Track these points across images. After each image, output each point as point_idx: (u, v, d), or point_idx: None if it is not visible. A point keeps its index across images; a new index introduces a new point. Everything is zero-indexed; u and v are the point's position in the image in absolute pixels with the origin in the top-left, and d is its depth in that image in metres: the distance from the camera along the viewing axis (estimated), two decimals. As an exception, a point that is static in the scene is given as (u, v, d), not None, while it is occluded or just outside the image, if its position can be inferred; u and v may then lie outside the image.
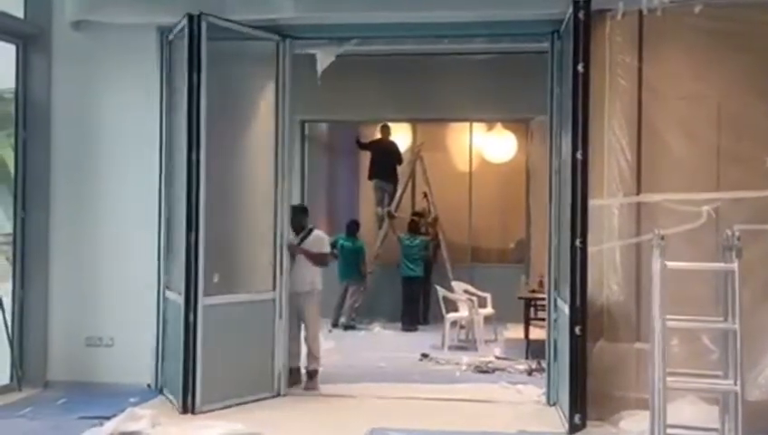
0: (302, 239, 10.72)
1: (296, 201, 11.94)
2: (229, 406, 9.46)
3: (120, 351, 10.27)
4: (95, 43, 10.33)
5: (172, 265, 10.08)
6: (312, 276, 10.68)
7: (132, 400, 9.52)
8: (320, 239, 10.94)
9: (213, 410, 9.28)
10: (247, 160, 10.54)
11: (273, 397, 10.01)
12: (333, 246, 16.03)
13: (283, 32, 10.15)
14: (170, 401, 9.71)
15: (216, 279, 9.61)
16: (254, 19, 9.83)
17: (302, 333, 10.73)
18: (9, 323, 10.10)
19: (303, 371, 10.69)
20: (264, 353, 10.04)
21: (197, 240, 9.29)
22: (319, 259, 10.79)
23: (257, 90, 10.48)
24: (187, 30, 9.31)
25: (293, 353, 10.58)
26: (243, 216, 10.41)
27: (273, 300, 10.12)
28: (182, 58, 9.53)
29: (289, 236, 10.49)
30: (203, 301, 9.32)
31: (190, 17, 9.29)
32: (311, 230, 10.87)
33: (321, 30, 10.31)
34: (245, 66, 10.39)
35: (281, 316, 10.14)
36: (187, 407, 9.29)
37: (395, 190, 17.40)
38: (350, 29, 10.32)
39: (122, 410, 8.76)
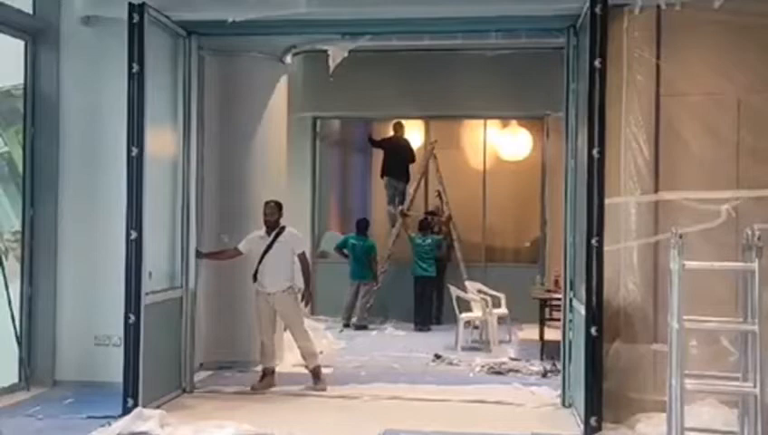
0: (275, 238, 10.47)
1: (302, 199, 11.77)
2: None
3: (129, 350, 10.14)
4: (104, 39, 10.24)
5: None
6: (289, 274, 10.53)
7: None
8: (294, 237, 10.68)
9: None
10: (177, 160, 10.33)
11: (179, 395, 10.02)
12: (343, 245, 16.00)
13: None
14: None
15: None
16: (269, 15, 9.69)
17: (288, 334, 10.70)
18: (17, 322, 10.06)
19: (306, 371, 10.62)
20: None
21: (140, 239, 9.08)
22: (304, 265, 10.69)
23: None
24: (127, 19, 9.11)
25: (268, 354, 10.49)
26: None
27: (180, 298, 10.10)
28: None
29: (259, 233, 10.46)
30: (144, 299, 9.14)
31: (131, 6, 9.08)
32: (283, 228, 10.58)
33: (333, 26, 10.20)
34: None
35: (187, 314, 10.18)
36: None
37: (406, 188, 17.25)
38: (363, 25, 10.24)
39: (130, 410, 8.70)
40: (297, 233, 10.89)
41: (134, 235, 9.06)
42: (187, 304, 10.13)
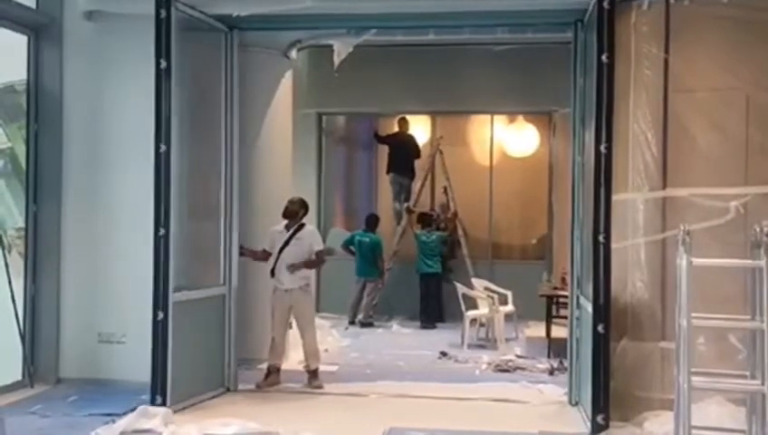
0: (294, 233, 10.42)
1: (307, 195, 11.73)
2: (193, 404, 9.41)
3: (133, 348, 10.15)
4: (108, 34, 10.26)
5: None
6: (305, 271, 10.49)
7: (144, 397, 9.31)
8: (313, 235, 10.66)
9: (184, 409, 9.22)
10: (207, 155, 10.34)
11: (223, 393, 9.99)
12: (350, 243, 15.94)
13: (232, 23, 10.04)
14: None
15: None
16: (274, 10, 9.67)
17: (297, 331, 10.62)
18: (21, 319, 10.03)
19: (304, 370, 10.59)
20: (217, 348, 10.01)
21: (167, 236, 9.09)
22: (313, 265, 10.67)
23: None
24: (155, 14, 9.08)
25: (277, 352, 10.48)
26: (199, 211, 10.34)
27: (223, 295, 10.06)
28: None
29: (277, 227, 10.41)
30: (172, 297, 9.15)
31: (158, 2, 9.07)
32: (302, 225, 10.54)
33: (337, 20, 10.14)
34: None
35: (230, 311, 10.11)
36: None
37: (412, 185, 17.19)
38: (368, 19, 10.20)
39: (134, 408, 8.66)
40: (316, 230, 10.89)
41: (162, 231, 9.07)
42: (230, 301, 10.07)
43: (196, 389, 9.57)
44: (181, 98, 9.30)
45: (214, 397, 9.78)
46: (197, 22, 9.63)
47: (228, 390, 10.05)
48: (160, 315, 9.05)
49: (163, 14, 9.02)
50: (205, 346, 9.82)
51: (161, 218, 9.07)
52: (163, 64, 9.05)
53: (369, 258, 15.91)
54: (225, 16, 9.84)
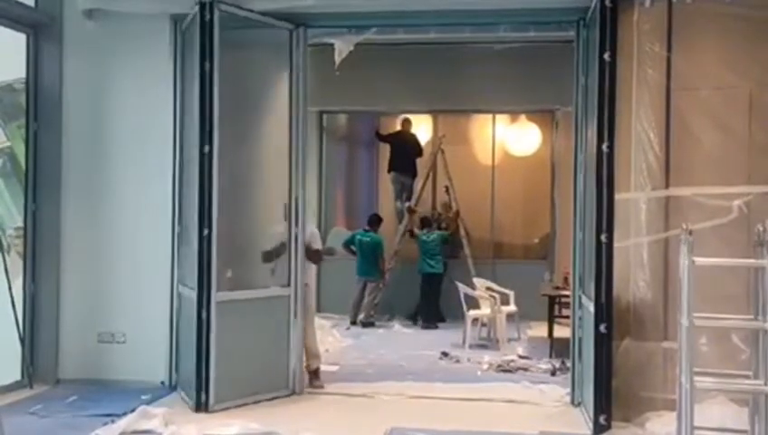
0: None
1: (308, 194, 11.71)
2: (246, 404, 9.34)
3: (133, 348, 10.16)
4: (107, 33, 10.19)
5: (185, 260, 9.97)
6: (307, 270, 10.42)
7: (145, 397, 9.43)
8: (313, 235, 10.59)
9: (228, 409, 9.16)
10: (262, 154, 10.42)
11: (289, 395, 9.86)
12: (351, 243, 15.92)
13: (299, 20, 9.96)
14: (184, 400, 9.58)
15: (229, 274, 9.57)
16: (272, 8, 9.67)
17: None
18: (20, 319, 9.98)
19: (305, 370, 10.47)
20: (278, 351, 9.89)
21: (210, 235, 9.14)
22: (314, 257, 10.55)
23: (271, 79, 10.31)
24: (198, 18, 9.15)
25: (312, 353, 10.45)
26: (256, 210, 10.34)
27: (288, 296, 9.96)
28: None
29: (278, 229, 10.31)
30: (216, 296, 9.17)
31: (202, 5, 9.11)
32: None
33: (339, 18, 10.12)
34: (259, 55, 10.26)
35: (296, 313, 9.98)
36: (201, 405, 9.13)
37: (413, 184, 17.17)
38: (370, 17, 10.15)
39: (134, 409, 8.66)
40: (316, 232, 10.88)
41: (206, 231, 9.13)
42: (295, 302, 10.00)
43: (251, 389, 9.53)
44: (236, 97, 9.49)
45: (275, 398, 9.71)
46: (258, 21, 9.70)
47: (294, 392, 9.96)
48: (204, 314, 9.13)
49: (207, 16, 9.12)
50: (265, 347, 9.77)
51: (205, 219, 9.14)
52: (207, 66, 9.11)
53: (369, 258, 15.88)
54: (291, 15, 9.82)
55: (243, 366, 9.39)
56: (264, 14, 9.66)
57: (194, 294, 9.21)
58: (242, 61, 9.80)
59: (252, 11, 9.55)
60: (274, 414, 9.01)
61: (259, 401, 9.46)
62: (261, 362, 9.65)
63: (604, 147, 8.36)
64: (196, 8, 9.17)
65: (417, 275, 15.94)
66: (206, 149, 9.11)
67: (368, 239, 15.88)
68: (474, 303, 14.02)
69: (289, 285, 9.98)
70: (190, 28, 9.71)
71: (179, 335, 10.05)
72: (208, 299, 9.13)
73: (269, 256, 10.17)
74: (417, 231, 16.18)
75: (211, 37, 9.12)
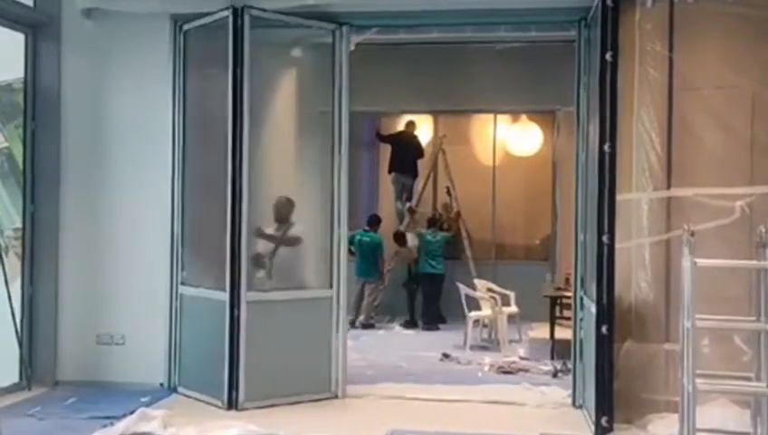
0: (285, 232, 10.35)
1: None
2: (278, 404, 9.42)
3: (132, 349, 10.12)
4: (106, 32, 10.14)
5: (196, 260, 10.08)
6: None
7: (144, 399, 9.38)
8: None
9: (259, 408, 9.29)
10: (295, 155, 10.60)
11: (330, 399, 9.89)
12: (350, 243, 15.86)
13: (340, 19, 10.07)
14: (197, 399, 9.66)
15: (259, 275, 9.96)
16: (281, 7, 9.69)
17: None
18: (18, 321, 9.97)
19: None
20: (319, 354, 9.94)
21: (240, 236, 9.33)
22: (291, 242, 10.48)
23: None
24: (231, 23, 9.32)
25: None
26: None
27: (330, 298, 9.99)
28: (201, 48, 9.74)
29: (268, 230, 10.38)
30: (246, 296, 9.35)
31: (234, 10, 9.31)
32: (292, 224, 10.49)
33: (340, 17, 10.06)
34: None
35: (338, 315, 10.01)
36: (231, 403, 9.31)
37: (414, 184, 17.14)
38: (370, 17, 10.10)
39: (133, 411, 8.62)
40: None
41: (237, 232, 9.35)
42: (337, 305, 9.99)
43: (286, 391, 9.54)
44: (277, 100, 9.87)
45: (319, 400, 9.73)
46: (300, 22, 9.84)
47: (336, 397, 9.94)
48: (235, 313, 9.28)
49: (238, 21, 9.31)
50: (304, 349, 9.77)
51: (237, 221, 9.33)
52: (238, 73, 9.30)
53: (369, 259, 15.84)
54: (333, 14, 9.86)
55: (277, 367, 9.49)
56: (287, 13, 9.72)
57: (223, 295, 9.36)
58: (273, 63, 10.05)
59: (284, 12, 9.65)
60: (274, 416, 8.97)
61: (296, 403, 9.49)
62: (299, 364, 9.68)
63: (606, 147, 8.32)
64: (227, 13, 9.37)
65: (417, 275, 15.91)
66: (238, 154, 9.32)
67: (367, 240, 15.85)
68: (475, 304, 13.99)
69: (331, 286, 9.99)
70: (199, 30, 9.89)
71: (183, 337, 10.05)
72: (238, 299, 9.29)
73: (260, 260, 10.17)
74: (422, 231, 16.13)
75: (242, 43, 9.31)
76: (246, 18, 9.24)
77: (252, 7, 9.28)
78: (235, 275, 9.30)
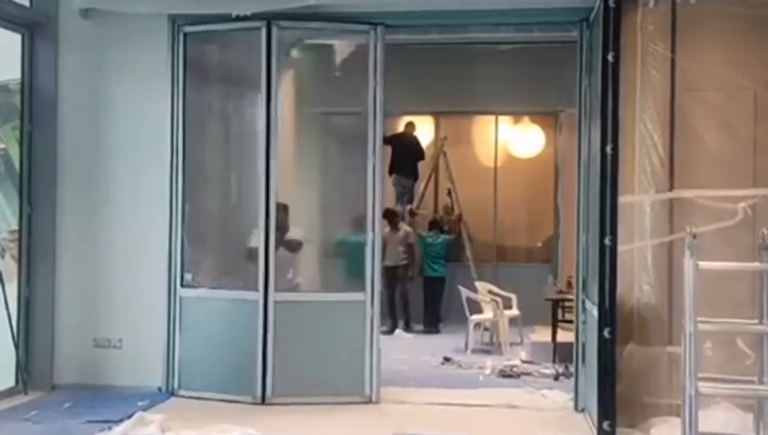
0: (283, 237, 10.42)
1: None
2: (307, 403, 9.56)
3: (130, 353, 10.09)
4: (104, 32, 10.11)
5: (209, 262, 10.33)
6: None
7: (141, 403, 9.34)
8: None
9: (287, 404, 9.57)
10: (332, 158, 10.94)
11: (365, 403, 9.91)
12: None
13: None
14: (190, 400, 9.75)
15: (289, 275, 10.37)
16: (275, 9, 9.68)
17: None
18: (14, 324, 9.93)
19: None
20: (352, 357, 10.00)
21: (268, 238, 9.67)
22: (293, 245, 10.64)
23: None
24: (264, 39, 9.72)
25: None
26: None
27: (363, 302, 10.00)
28: (202, 51, 10.04)
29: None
30: (273, 296, 9.69)
31: (268, 22, 9.68)
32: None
33: (340, 18, 10.06)
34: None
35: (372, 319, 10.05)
36: (261, 398, 9.67)
37: (415, 186, 17.09)
38: (370, 17, 10.03)
39: (131, 415, 8.60)
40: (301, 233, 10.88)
41: (267, 234, 9.72)
42: (371, 308, 9.98)
43: (315, 390, 9.68)
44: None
45: (353, 403, 9.78)
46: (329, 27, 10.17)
47: (371, 401, 9.92)
48: (266, 313, 9.66)
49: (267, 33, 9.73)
50: (335, 352, 9.88)
51: (265, 225, 9.68)
52: (272, 85, 9.79)
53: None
54: (367, 14, 9.91)
55: (306, 367, 9.73)
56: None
57: (253, 295, 9.70)
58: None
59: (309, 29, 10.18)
60: (273, 419, 8.96)
61: (325, 404, 9.55)
62: (330, 365, 9.81)
63: (608, 149, 8.28)
64: (261, 25, 9.72)
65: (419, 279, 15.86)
66: (271, 161, 9.72)
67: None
68: (476, 307, 13.95)
69: (364, 290, 9.98)
70: (206, 33, 10.12)
71: (184, 339, 10.04)
72: (266, 300, 9.67)
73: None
74: (423, 233, 16.06)
75: (269, 53, 9.73)
76: (275, 30, 9.65)
77: (281, 18, 9.59)
78: (266, 276, 9.63)
